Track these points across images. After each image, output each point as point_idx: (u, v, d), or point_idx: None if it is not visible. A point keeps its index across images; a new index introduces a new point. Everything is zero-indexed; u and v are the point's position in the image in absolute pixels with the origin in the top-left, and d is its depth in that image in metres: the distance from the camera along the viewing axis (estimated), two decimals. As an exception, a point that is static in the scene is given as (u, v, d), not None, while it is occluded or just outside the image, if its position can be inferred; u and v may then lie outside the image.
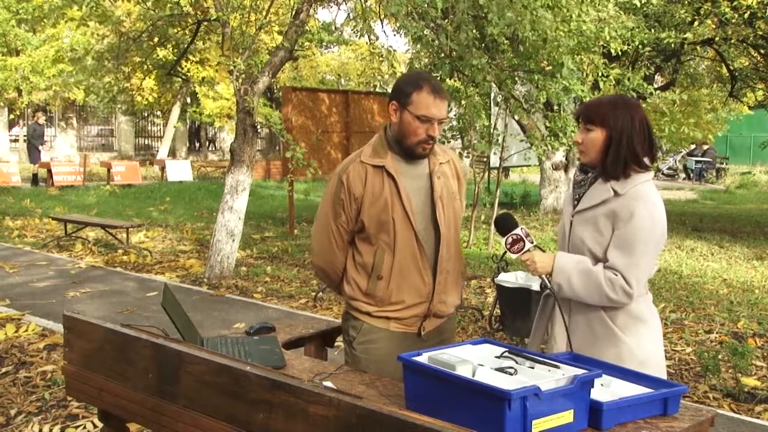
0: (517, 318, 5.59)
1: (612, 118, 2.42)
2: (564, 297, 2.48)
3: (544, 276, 2.47)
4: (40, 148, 18.65)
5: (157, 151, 28.32)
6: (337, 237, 2.66)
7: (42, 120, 19.45)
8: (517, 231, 2.48)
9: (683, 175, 25.24)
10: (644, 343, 2.43)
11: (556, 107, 9.58)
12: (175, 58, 12.30)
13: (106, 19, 11.15)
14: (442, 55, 7.66)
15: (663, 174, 25.33)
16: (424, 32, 7.31)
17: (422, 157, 2.63)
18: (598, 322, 2.44)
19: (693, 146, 23.08)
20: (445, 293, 2.68)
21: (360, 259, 2.64)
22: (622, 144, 2.41)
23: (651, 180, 2.47)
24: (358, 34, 7.88)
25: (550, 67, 8.07)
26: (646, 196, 2.40)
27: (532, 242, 2.47)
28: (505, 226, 2.52)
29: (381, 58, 8.31)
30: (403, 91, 2.57)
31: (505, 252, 2.52)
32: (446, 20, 7.68)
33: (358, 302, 2.67)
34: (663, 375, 2.47)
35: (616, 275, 2.37)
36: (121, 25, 11.46)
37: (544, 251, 2.52)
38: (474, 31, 7.56)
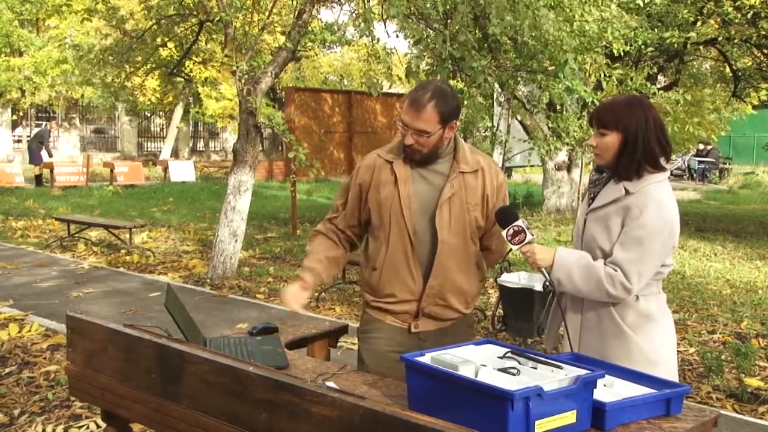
0: (520, 318, 5.58)
1: (626, 120, 2.41)
2: (563, 291, 2.49)
3: (543, 269, 2.47)
4: (42, 152, 18.86)
5: (160, 151, 28.39)
6: (332, 211, 2.87)
7: (52, 128, 19.64)
8: (519, 222, 2.48)
9: (686, 176, 25.21)
10: (655, 343, 2.43)
11: (558, 107, 9.57)
12: (178, 57, 12.32)
13: (110, 18, 11.19)
14: (443, 57, 7.65)
15: (672, 174, 25.27)
16: (425, 34, 7.30)
17: (411, 158, 2.65)
18: (609, 320, 2.45)
19: (701, 146, 23.03)
20: (441, 298, 2.67)
21: (367, 251, 2.79)
22: (637, 146, 2.40)
23: (666, 180, 2.46)
24: (360, 34, 7.88)
25: (553, 67, 8.06)
26: (658, 195, 2.39)
27: (533, 235, 2.48)
28: (506, 217, 2.52)
29: (379, 60, 8.32)
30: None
31: (517, 249, 2.51)
32: (447, 22, 7.67)
33: (364, 292, 2.81)
34: (674, 376, 2.46)
35: (616, 270, 2.37)
36: (125, 23, 11.50)
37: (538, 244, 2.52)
38: (476, 31, 7.55)
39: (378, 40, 8.02)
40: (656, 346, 2.43)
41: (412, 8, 7.12)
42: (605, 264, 2.40)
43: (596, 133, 2.49)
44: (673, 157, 25.47)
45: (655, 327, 2.45)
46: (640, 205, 2.38)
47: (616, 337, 2.43)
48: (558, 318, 2.65)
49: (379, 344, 2.72)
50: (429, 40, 7.43)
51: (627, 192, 2.41)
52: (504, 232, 2.50)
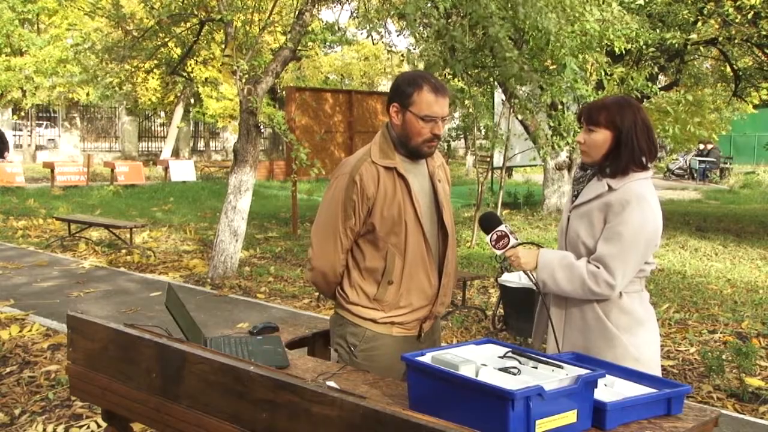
0: (521, 318, 5.58)
1: (619, 119, 2.44)
2: (548, 292, 2.52)
3: (528, 272, 2.51)
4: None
5: (161, 151, 28.41)
6: (343, 239, 2.55)
7: None
8: (502, 227, 2.52)
9: (686, 175, 25.21)
10: (638, 341, 2.45)
11: (560, 106, 9.56)
12: (179, 56, 12.33)
13: (113, 16, 11.21)
14: (454, 52, 7.62)
15: (674, 174, 25.28)
16: (444, 29, 7.28)
17: (427, 155, 2.61)
18: (592, 317, 2.47)
19: (701, 145, 23.03)
20: (445, 295, 2.67)
21: (366, 264, 2.57)
22: (627, 145, 2.43)
23: (649, 179, 2.49)
24: (366, 34, 7.91)
25: (554, 66, 8.07)
26: (641, 193, 2.42)
27: (516, 239, 2.52)
28: (489, 223, 2.55)
29: (402, 58, 8.38)
30: (404, 92, 2.51)
31: (502, 254, 2.54)
32: (454, 19, 7.66)
33: (361, 308, 2.59)
34: (657, 374, 2.47)
35: (599, 268, 2.39)
36: (126, 22, 11.52)
37: (541, 246, 2.54)
38: (478, 32, 7.55)
39: (382, 37, 8.03)
40: (639, 343, 2.45)
41: (420, 6, 7.11)
42: (588, 262, 2.43)
43: (585, 129, 2.52)
44: (675, 156, 25.49)
45: (638, 325, 2.47)
46: (622, 201, 2.40)
47: (600, 333, 2.45)
48: (544, 316, 2.67)
49: (385, 359, 2.58)
50: (446, 34, 7.38)
51: (610, 188, 2.44)
52: (488, 238, 2.54)
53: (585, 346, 2.45)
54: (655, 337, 2.54)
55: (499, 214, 9.89)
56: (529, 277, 2.52)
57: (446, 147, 10.22)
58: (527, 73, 7.42)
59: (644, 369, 2.30)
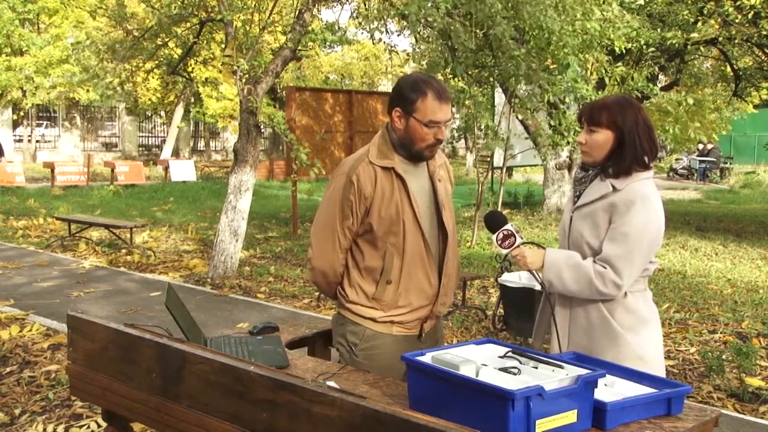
0: (521, 318, 5.58)
1: (620, 118, 2.44)
2: (554, 292, 2.52)
3: (534, 271, 2.50)
4: None
5: (161, 151, 28.42)
6: (341, 238, 2.57)
7: None
8: (508, 226, 2.51)
9: (689, 175, 25.21)
10: (642, 340, 2.46)
11: (561, 106, 9.56)
12: (180, 56, 12.35)
13: (115, 15, 11.25)
14: (455, 53, 7.63)
15: (677, 174, 25.27)
16: (448, 26, 7.29)
17: (429, 158, 2.62)
18: (597, 316, 2.47)
19: (701, 145, 23.03)
20: (446, 295, 2.67)
21: (365, 264, 2.58)
22: (629, 144, 2.43)
23: (651, 178, 2.49)
24: (369, 35, 7.94)
25: (554, 65, 8.07)
26: (645, 192, 2.42)
27: (522, 238, 2.51)
28: (494, 222, 2.54)
29: (407, 57, 8.42)
30: (407, 97, 2.50)
31: (508, 253, 2.53)
32: (455, 19, 7.67)
33: (361, 307, 2.60)
34: (661, 373, 2.48)
35: (606, 268, 2.39)
36: (127, 22, 11.55)
37: (544, 248, 2.53)
38: (479, 31, 7.55)
39: (381, 40, 8.05)
40: (643, 342, 2.46)
41: (421, 7, 7.13)
42: (594, 262, 2.42)
43: (586, 130, 2.52)
44: (678, 156, 25.48)
45: (642, 324, 2.48)
46: (627, 201, 2.40)
47: (605, 333, 2.45)
48: (546, 316, 2.67)
49: (385, 358, 2.58)
50: (449, 33, 7.39)
51: (614, 189, 2.44)
52: (494, 237, 2.53)
53: (589, 345, 2.45)
54: (658, 337, 2.54)
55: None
56: (534, 276, 2.52)
57: (451, 150, 10.30)
58: (534, 71, 7.43)
59: (648, 368, 2.31)
